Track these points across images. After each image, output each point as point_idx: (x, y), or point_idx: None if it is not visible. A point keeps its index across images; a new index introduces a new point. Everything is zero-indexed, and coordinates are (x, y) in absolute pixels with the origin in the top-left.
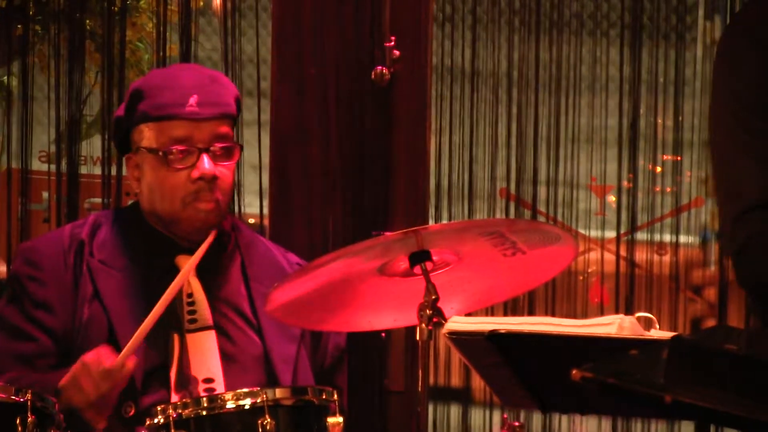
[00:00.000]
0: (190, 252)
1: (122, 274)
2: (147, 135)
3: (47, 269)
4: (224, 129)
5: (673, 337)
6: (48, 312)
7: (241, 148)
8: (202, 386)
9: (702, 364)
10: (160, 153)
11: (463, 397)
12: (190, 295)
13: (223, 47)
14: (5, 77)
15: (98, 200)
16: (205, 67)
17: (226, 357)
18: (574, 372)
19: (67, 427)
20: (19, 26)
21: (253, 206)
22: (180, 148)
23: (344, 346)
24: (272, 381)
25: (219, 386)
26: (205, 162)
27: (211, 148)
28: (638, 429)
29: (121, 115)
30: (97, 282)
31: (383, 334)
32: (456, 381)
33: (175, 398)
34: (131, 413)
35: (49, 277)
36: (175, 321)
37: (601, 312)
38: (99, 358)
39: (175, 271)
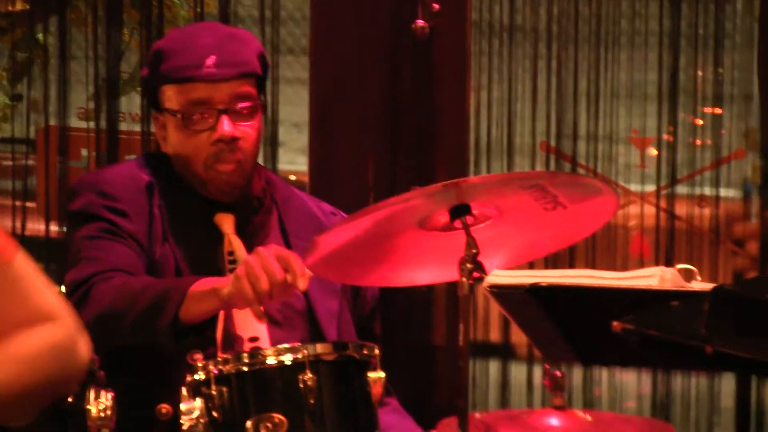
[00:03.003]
0: (226, 209)
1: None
2: (168, 96)
3: (128, 202)
4: (245, 88)
5: (714, 288)
6: (137, 243)
7: (264, 106)
8: (247, 345)
9: (744, 314)
10: (179, 115)
11: (502, 352)
12: (231, 253)
13: (261, 4)
14: (40, 35)
15: (135, 157)
16: (226, 26)
17: (270, 314)
18: (614, 324)
19: (107, 384)
20: None
21: (295, 163)
22: (199, 110)
23: (379, 294)
24: (317, 336)
25: (264, 344)
26: (225, 124)
27: (232, 108)
28: (678, 383)
29: (145, 76)
30: (167, 225)
31: (425, 289)
32: (495, 336)
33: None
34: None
35: (132, 210)
36: None
37: (642, 265)
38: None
39: (214, 229)
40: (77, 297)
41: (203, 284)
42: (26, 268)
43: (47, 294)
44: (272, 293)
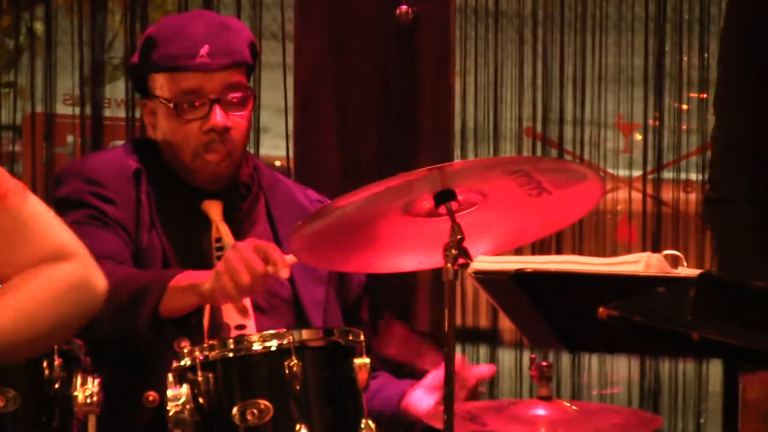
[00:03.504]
0: (214, 196)
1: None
2: (160, 84)
3: (115, 189)
4: (237, 78)
5: (700, 274)
6: (124, 230)
7: (254, 95)
8: (234, 333)
9: (730, 301)
10: (171, 104)
11: (491, 338)
12: (218, 240)
13: None
14: (28, 22)
15: (122, 143)
16: (218, 14)
17: (256, 302)
18: (600, 310)
19: (94, 369)
20: None
21: (279, 149)
22: (191, 99)
23: (365, 281)
24: (303, 324)
25: (251, 332)
26: (218, 114)
27: (224, 98)
28: (667, 369)
29: (135, 63)
30: (154, 211)
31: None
32: (484, 322)
33: None
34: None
35: (119, 197)
36: (205, 267)
37: (629, 250)
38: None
39: (201, 216)
40: None
41: (184, 279)
42: (39, 209)
43: (62, 232)
44: (254, 286)
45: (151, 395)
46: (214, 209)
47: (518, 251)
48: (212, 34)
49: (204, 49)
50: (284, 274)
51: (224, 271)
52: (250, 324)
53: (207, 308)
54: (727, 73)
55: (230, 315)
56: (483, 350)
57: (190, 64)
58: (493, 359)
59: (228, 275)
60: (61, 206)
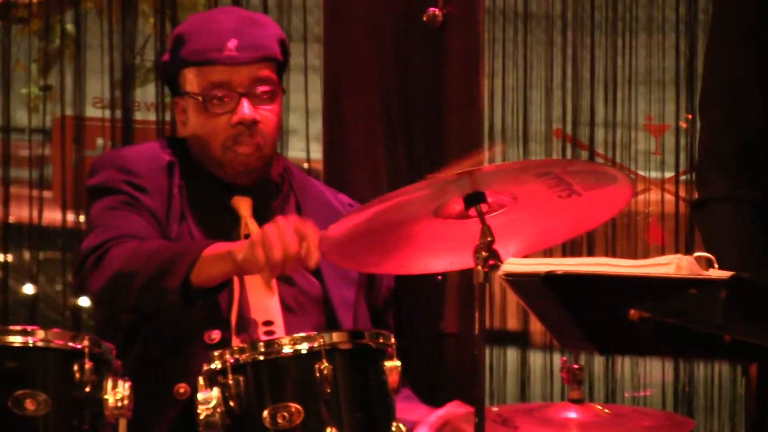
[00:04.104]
0: (244, 193)
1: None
2: (189, 80)
3: (149, 179)
4: (265, 72)
5: (731, 277)
6: (155, 218)
7: (283, 90)
8: (261, 329)
9: (761, 303)
10: (200, 98)
11: (521, 340)
12: (247, 236)
13: None
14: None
15: None
16: (247, 10)
17: (285, 300)
18: (631, 312)
19: (125, 361)
20: None
21: (307, 151)
22: (219, 93)
23: (394, 286)
24: (332, 324)
25: (279, 329)
26: (245, 107)
27: (252, 92)
28: (701, 371)
29: (166, 61)
30: (186, 204)
31: (439, 277)
32: (513, 324)
33: (236, 341)
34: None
35: (152, 187)
36: None
37: (661, 252)
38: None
39: (231, 211)
40: (92, 261)
41: (218, 247)
42: None
43: None
44: (284, 264)
45: (182, 387)
46: (244, 205)
47: (549, 252)
48: (240, 29)
49: (232, 43)
50: (312, 263)
51: (258, 242)
52: (278, 320)
53: (236, 302)
54: (707, 76)
55: (258, 311)
56: (512, 352)
57: (218, 57)
58: (522, 361)
59: (261, 246)
60: (95, 194)
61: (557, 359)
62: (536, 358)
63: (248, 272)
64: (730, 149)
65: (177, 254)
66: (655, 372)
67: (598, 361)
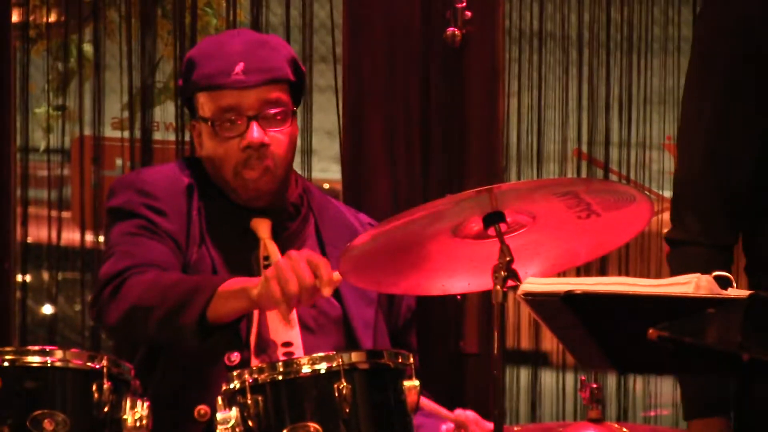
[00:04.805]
0: (262, 215)
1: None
2: (201, 103)
3: (168, 202)
4: (275, 94)
5: (750, 295)
6: (174, 242)
7: (294, 112)
8: (281, 350)
9: None
10: (210, 122)
11: (533, 359)
12: (266, 258)
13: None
14: (77, 45)
15: None
16: (257, 32)
17: (304, 321)
18: (650, 331)
19: (145, 383)
20: None
21: (328, 172)
22: (228, 116)
23: (415, 307)
24: (352, 345)
25: (298, 350)
26: (254, 130)
27: (262, 115)
28: None
29: (180, 85)
30: (204, 227)
31: (459, 297)
32: (525, 343)
33: (255, 362)
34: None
35: (171, 210)
36: None
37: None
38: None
39: (250, 234)
40: (110, 289)
41: (233, 283)
42: None
43: None
44: (301, 297)
45: (203, 409)
46: (263, 227)
47: (562, 272)
48: (248, 52)
49: (239, 67)
50: (327, 292)
51: (273, 277)
52: (297, 341)
53: (255, 324)
54: (690, 113)
55: (277, 332)
56: (524, 372)
57: (226, 82)
58: (534, 381)
59: (276, 281)
60: (113, 216)
61: (570, 378)
62: (547, 378)
63: (265, 308)
64: (710, 195)
65: (193, 290)
66: (665, 391)
67: (611, 380)
